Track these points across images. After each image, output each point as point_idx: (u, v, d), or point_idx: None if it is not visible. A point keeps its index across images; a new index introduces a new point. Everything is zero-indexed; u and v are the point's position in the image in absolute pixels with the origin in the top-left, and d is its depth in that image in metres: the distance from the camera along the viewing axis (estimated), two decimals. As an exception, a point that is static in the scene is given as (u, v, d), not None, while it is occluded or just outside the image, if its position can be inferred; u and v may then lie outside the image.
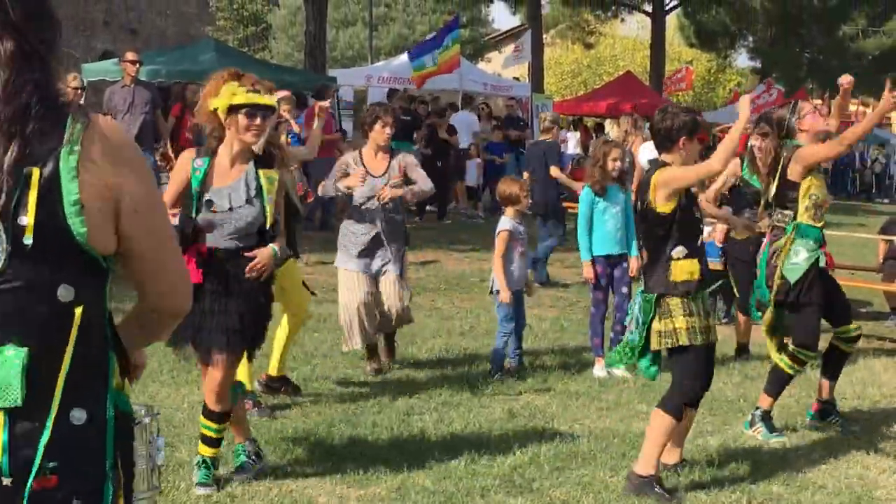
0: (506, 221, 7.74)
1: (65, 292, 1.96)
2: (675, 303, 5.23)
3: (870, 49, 40.64)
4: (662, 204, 5.22)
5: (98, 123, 2.00)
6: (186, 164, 5.06)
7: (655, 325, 5.30)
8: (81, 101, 12.22)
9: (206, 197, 4.96)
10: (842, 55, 40.39)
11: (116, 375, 2.09)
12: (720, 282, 10.34)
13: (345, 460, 5.49)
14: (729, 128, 24.86)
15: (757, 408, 6.47)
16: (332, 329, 8.68)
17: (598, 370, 7.81)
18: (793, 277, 6.23)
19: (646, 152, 11.24)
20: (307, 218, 12.78)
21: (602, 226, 7.95)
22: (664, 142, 5.36)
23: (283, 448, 5.66)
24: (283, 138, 7.41)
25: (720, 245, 10.63)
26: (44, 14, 2.02)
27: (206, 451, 5.09)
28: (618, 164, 7.98)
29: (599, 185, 7.97)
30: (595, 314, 8.09)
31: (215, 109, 4.93)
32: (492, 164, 19.50)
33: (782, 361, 6.37)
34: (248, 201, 4.97)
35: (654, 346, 5.34)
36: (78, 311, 1.98)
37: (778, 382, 6.45)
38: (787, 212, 6.33)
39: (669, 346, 5.25)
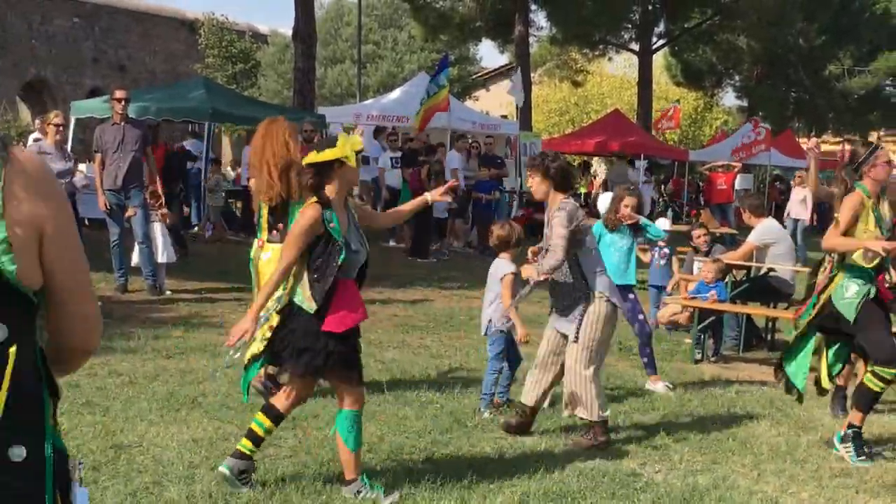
0: (508, 264, 7.67)
1: None
2: None
3: (855, 88, 41.02)
4: None
5: (18, 157, 1.97)
6: (320, 219, 5.20)
7: None
8: (62, 138, 12.25)
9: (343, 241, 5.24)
10: (828, 94, 40.78)
11: (51, 414, 2.04)
12: (710, 318, 10.39)
13: (333, 500, 5.45)
14: (720, 165, 24.71)
15: (850, 425, 6.59)
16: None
17: None
18: (848, 314, 6.50)
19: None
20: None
21: (608, 259, 7.95)
22: None
23: (271, 488, 5.60)
24: None
25: (709, 284, 10.68)
26: None
27: None
28: (627, 210, 8.31)
29: (612, 223, 8.42)
30: None
31: (339, 160, 5.17)
32: (479, 202, 19.56)
33: (869, 381, 6.52)
34: (363, 242, 5.40)
35: None
36: (12, 350, 1.92)
37: (865, 399, 6.61)
38: None
39: None
